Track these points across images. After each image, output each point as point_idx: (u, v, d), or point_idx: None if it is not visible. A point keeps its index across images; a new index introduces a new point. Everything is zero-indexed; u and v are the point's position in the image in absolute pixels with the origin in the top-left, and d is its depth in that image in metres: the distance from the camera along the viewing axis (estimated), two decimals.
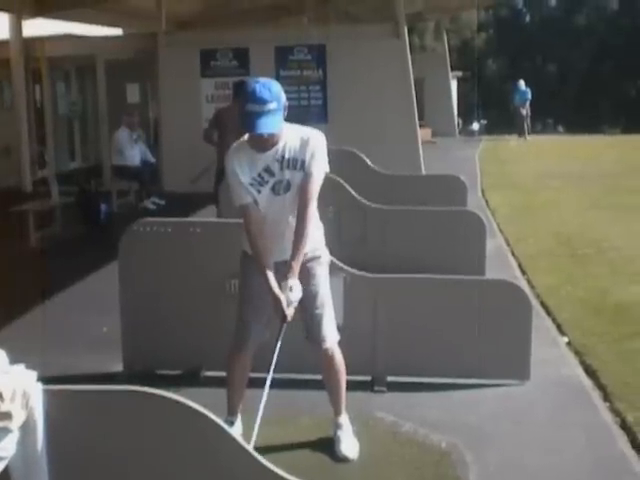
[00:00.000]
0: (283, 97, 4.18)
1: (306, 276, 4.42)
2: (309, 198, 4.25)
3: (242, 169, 4.26)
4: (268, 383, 4.00)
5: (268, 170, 4.26)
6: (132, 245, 5.73)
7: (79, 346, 6.42)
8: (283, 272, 4.27)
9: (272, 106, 4.09)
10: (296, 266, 4.20)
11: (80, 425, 2.99)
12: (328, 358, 4.54)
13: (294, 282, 4.18)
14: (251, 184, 4.27)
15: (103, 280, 7.81)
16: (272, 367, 4.08)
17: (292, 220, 4.31)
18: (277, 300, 4.18)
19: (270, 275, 4.23)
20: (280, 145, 4.23)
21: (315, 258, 4.46)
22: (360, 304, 5.51)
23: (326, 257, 4.56)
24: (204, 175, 10.82)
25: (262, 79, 4.20)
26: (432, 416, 5.02)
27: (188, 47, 15.65)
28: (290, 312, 4.19)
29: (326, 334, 4.49)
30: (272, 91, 4.12)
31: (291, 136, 4.26)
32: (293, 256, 4.21)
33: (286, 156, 4.24)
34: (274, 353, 4.14)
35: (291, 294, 4.17)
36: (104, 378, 5.59)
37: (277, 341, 4.18)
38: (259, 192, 4.28)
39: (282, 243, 4.33)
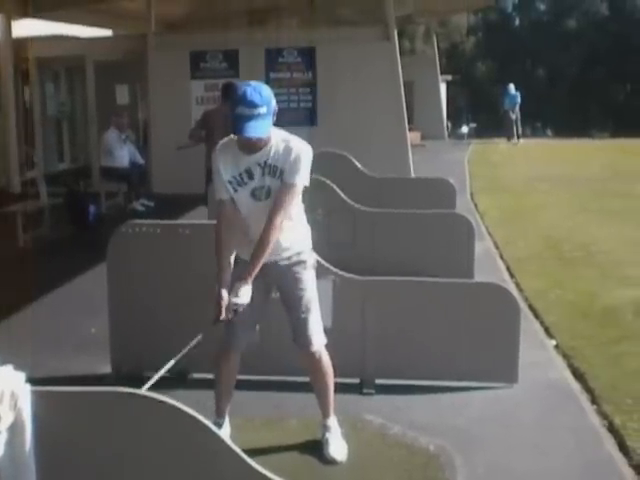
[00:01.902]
0: (273, 102, 4.19)
1: (291, 280, 4.45)
2: (279, 208, 4.21)
3: (225, 166, 4.29)
4: (160, 373, 3.82)
5: (249, 172, 4.27)
6: (121, 247, 5.72)
7: (67, 347, 6.41)
8: (268, 273, 4.33)
9: (262, 110, 4.09)
10: (252, 272, 4.17)
11: (68, 426, 2.99)
12: (315, 361, 4.54)
13: (245, 288, 4.15)
14: (229, 182, 4.29)
15: (91, 281, 7.80)
16: (174, 360, 3.96)
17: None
18: (219, 297, 4.17)
19: (223, 272, 4.24)
20: (265, 150, 4.24)
21: (300, 262, 4.46)
22: (349, 307, 5.51)
23: (312, 261, 4.55)
24: (190, 146, 10.72)
25: (253, 83, 4.20)
26: (420, 419, 5.03)
27: (178, 49, 15.64)
28: (226, 314, 4.16)
29: (313, 338, 4.49)
30: (263, 95, 4.12)
31: (277, 143, 4.25)
32: (251, 261, 4.19)
33: (268, 162, 4.24)
34: (187, 346, 4.08)
35: (236, 298, 4.15)
36: (92, 380, 5.58)
37: (198, 336, 4.13)
38: (235, 191, 4.30)
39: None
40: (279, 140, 4.26)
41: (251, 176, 4.27)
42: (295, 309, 4.49)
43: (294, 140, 4.28)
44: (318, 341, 4.52)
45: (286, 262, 4.41)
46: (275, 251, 4.34)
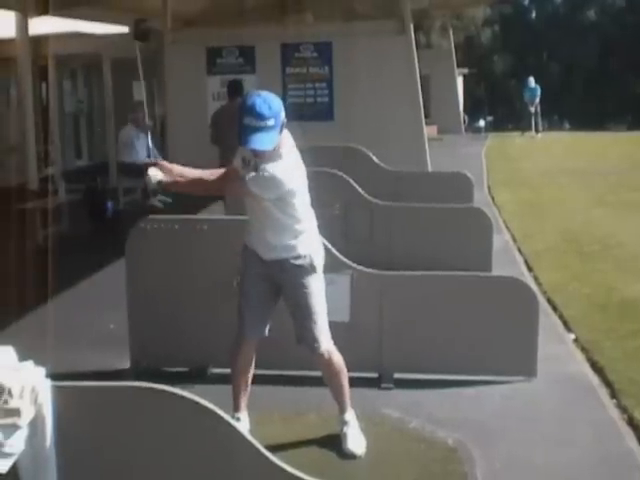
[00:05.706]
0: (282, 114, 4.17)
1: (295, 284, 4.45)
2: (221, 180, 4.53)
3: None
4: None
5: (248, 161, 4.35)
6: (139, 242, 5.74)
7: (87, 343, 6.44)
8: (275, 272, 4.43)
9: (270, 123, 4.09)
10: (175, 180, 4.65)
11: (88, 421, 3.01)
12: (325, 361, 4.54)
13: (158, 177, 4.61)
14: (242, 158, 4.42)
15: (110, 277, 7.83)
16: None
17: (272, 224, 4.35)
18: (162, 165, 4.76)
19: (181, 171, 4.75)
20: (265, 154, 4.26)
21: (304, 265, 4.43)
22: (367, 301, 5.51)
23: (309, 262, 4.45)
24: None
25: (264, 93, 4.19)
26: (439, 413, 5.03)
27: (194, 45, 15.64)
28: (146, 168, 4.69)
29: (320, 340, 4.49)
30: (272, 107, 4.12)
31: (276, 150, 4.24)
32: (176, 178, 4.65)
33: (258, 160, 4.29)
34: None
35: (155, 175, 4.60)
36: (112, 375, 5.60)
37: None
38: (242, 168, 4.40)
39: (265, 242, 4.42)
40: (281, 149, 4.25)
41: (248, 165, 4.33)
42: (300, 314, 4.49)
43: (286, 158, 4.27)
44: (325, 342, 4.51)
45: (289, 263, 4.41)
46: (280, 250, 4.39)
